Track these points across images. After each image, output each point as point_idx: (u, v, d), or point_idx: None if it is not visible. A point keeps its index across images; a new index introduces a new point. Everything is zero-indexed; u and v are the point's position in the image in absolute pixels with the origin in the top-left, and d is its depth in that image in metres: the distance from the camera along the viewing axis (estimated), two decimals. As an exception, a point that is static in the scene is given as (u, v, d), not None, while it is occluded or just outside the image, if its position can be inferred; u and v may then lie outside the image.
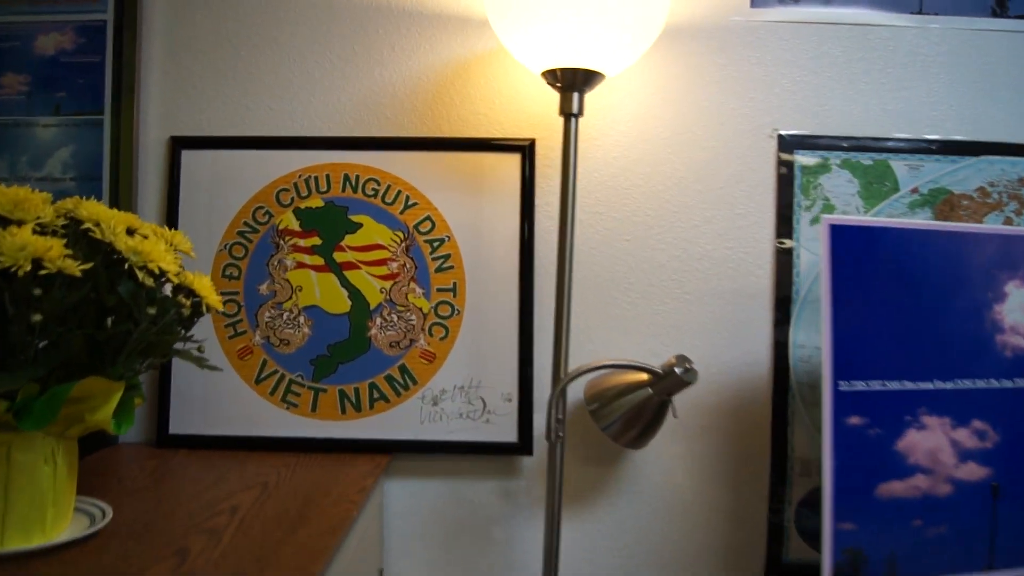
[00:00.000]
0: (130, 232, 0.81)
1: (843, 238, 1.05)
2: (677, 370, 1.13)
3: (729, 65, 1.33)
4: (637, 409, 1.20)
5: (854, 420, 1.05)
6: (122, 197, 1.34)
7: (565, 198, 1.16)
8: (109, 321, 0.75)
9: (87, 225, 0.76)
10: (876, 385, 1.06)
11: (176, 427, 1.29)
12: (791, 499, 1.33)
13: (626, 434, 1.22)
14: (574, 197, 1.16)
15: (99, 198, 1.35)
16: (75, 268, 0.71)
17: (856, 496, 1.05)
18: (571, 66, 1.11)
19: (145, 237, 0.80)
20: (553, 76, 1.13)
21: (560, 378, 1.17)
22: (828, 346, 1.04)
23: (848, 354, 1.04)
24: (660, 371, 1.15)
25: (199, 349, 0.86)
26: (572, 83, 1.13)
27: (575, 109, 1.14)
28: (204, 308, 0.86)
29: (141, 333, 0.76)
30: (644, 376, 1.19)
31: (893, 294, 1.07)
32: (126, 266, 0.76)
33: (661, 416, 1.21)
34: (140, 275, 0.75)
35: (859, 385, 1.05)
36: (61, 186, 1.36)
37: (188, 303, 0.82)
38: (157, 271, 0.77)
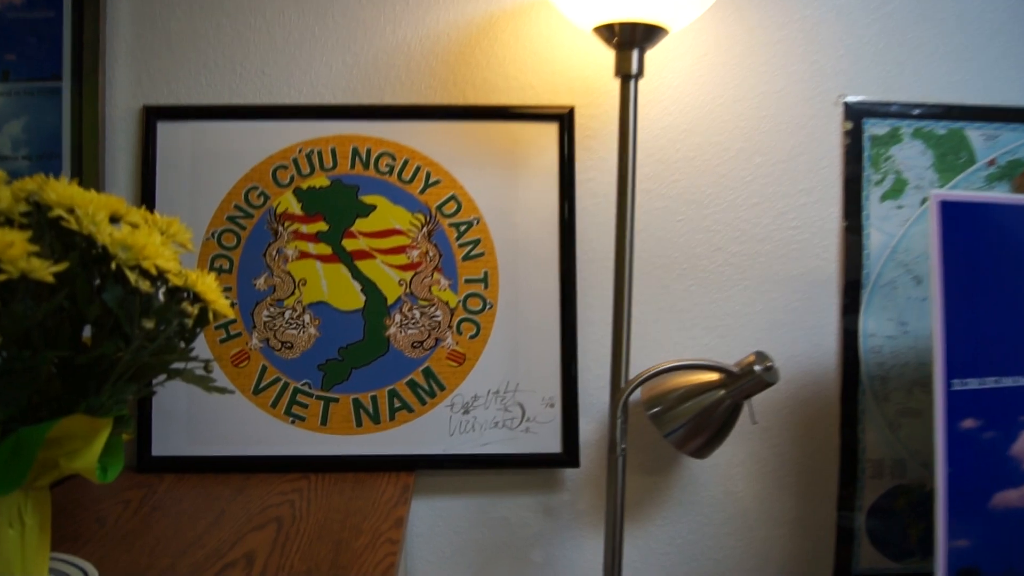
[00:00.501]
0: (114, 221, 0.62)
1: (954, 217, 0.91)
2: (757, 368, 0.98)
3: (790, 24, 1.17)
4: (706, 413, 1.05)
5: (968, 423, 0.91)
6: (86, 179, 1.13)
7: (624, 173, 0.99)
8: (90, 338, 0.57)
9: (58, 212, 0.57)
10: (990, 383, 0.92)
11: (160, 447, 1.10)
12: (862, 504, 1.19)
13: (691, 442, 1.07)
14: (634, 172, 0.99)
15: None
16: (45, 271, 0.52)
17: (970, 508, 0.91)
18: (632, 19, 0.94)
19: (135, 227, 0.61)
20: (609, 32, 0.96)
21: (621, 382, 1.01)
22: (940, 341, 0.89)
23: (961, 349, 0.90)
24: (736, 370, 1.00)
25: (206, 368, 0.68)
26: (631, 39, 0.96)
27: (634, 69, 0.97)
28: (211, 316, 0.68)
29: (134, 353, 0.58)
30: (715, 376, 1.04)
31: (1008, 279, 0.93)
32: (112, 265, 0.57)
33: (732, 421, 1.06)
34: (132, 277, 0.57)
35: (972, 383, 0.91)
36: (12, 165, 1.14)
37: (194, 310, 0.64)
38: (154, 271, 0.58)
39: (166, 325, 0.60)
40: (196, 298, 0.67)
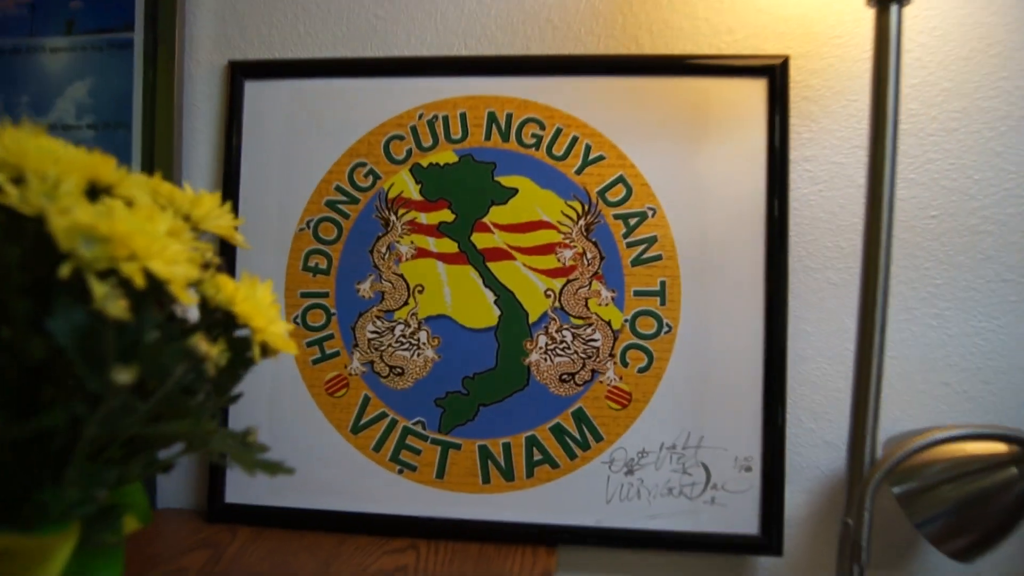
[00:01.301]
0: (94, 193, 0.36)
1: None
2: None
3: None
4: (981, 501, 0.72)
5: None
6: (159, 151, 0.91)
7: (879, 148, 0.67)
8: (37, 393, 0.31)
9: None
10: None
11: (235, 494, 0.86)
12: None
13: (955, 539, 0.74)
14: (894, 148, 0.67)
15: (127, 153, 0.93)
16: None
17: None
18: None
19: (130, 204, 0.35)
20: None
21: (865, 453, 0.68)
22: None
23: None
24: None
25: (246, 438, 0.42)
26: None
27: (906, -13, 0.66)
28: (257, 352, 0.41)
29: (103, 423, 0.31)
30: (1001, 448, 0.71)
31: None
32: (65, 271, 0.31)
33: (1020, 516, 0.72)
34: (98, 291, 0.30)
35: None
36: (76, 135, 0.94)
37: (219, 350, 0.37)
38: (142, 281, 0.32)
39: (165, 373, 0.33)
40: (231, 323, 0.40)
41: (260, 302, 0.43)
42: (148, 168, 0.91)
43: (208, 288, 0.42)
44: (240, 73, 0.90)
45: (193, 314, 0.43)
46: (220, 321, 0.43)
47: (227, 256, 0.87)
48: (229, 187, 0.88)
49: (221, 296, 0.42)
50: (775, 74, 0.82)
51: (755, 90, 0.83)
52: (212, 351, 0.39)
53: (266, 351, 0.44)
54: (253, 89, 0.89)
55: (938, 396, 0.84)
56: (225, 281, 0.42)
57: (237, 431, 0.45)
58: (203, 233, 0.44)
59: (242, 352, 0.44)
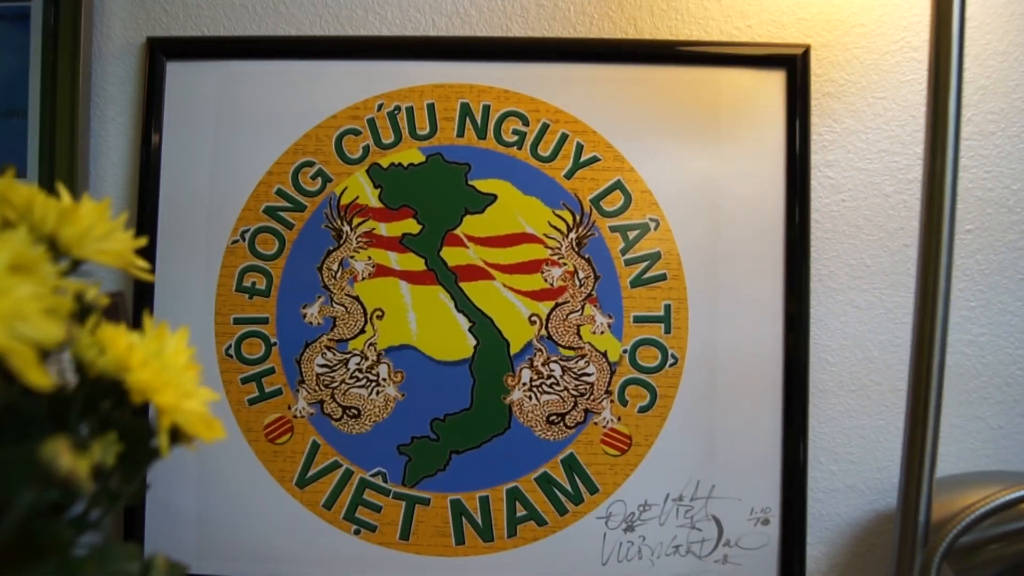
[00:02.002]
0: None
1: None
2: None
3: None
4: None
5: None
6: (60, 145, 0.75)
7: (939, 148, 0.57)
8: None
9: None
10: None
11: (154, 560, 0.71)
12: None
13: (1007, 602, 0.64)
14: (956, 149, 0.57)
15: (22, 148, 0.77)
16: None
17: None
18: None
19: None
20: None
21: (919, 513, 0.58)
22: None
23: None
24: None
25: (150, 571, 0.29)
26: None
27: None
28: (166, 443, 0.28)
29: None
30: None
31: None
32: None
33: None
34: None
35: None
36: (-45, 125, 0.77)
37: (99, 449, 0.24)
38: None
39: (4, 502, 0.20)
40: (119, 396, 0.27)
41: (169, 364, 0.30)
42: (47, 167, 0.75)
43: (86, 349, 0.29)
44: (161, 52, 0.74)
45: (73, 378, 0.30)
46: (107, 392, 0.30)
47: (142, 285, 0.71)
48: (147, 190, 0.73)
49: (107, 359, 0.28)
50: (795, 66, 0.71)
51: (772, 83, 0.71)
52: (79, 465, 0.25)
53: (178, 437, 0.30)
54: (177, 71, 0.74)
55: (971, 432, 0.74)
56: (114, 337, 0.29)
57: (139, 558, 0.31)
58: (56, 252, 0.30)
59: (141, 441, 0.30)
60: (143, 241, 0.32)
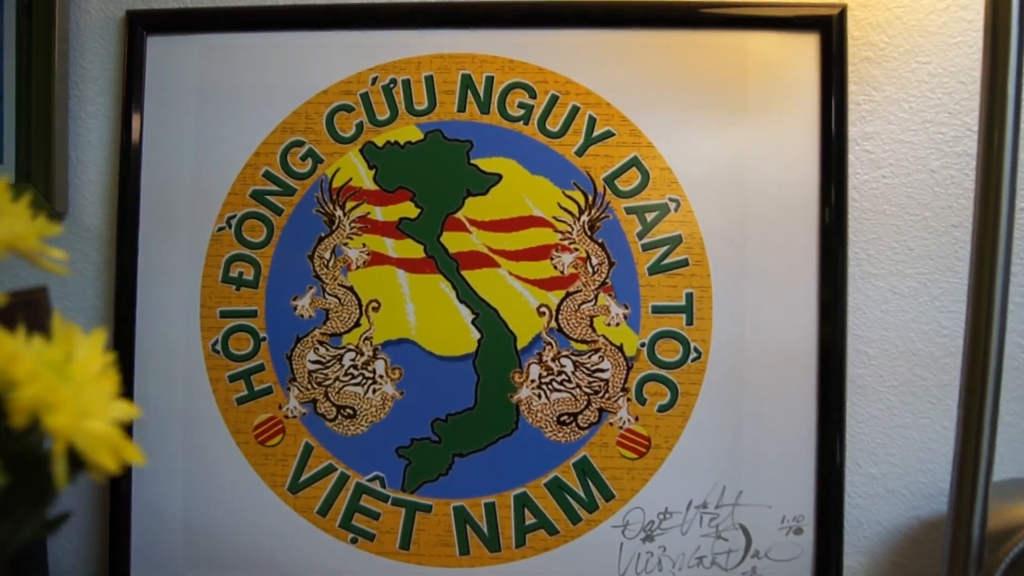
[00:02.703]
0: None
1: None
2: None
3: None
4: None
5: None
6: (37, 125, 0.70)
7: (999, 97, 0.50)
8: None
9: None
10: None
11: (143, 569, 0.66)
12: None
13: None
14: (1017, 101, 0.50)
15: (-3, 130, 0.73)
16: None
17: None
18: None
19: None
20: None
21: (973, 525, 0.51)
22: None
23: None
24: None
25: None
26: None
27: None
28: (63, 473, 0.22)
29: None
30: None
31: None
32: None
33: None
34: None
35: None
36: (-74, 108, 0.72)
37: None
38: None
39: None
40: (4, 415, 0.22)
41: (74, 375, 0.24)
42: (24, 151, 0.71)
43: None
44: (141, 26, 0.69)
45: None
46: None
47: (122, 267, 0.67)
48: (127, 173, 0.68)
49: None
50: (830, 28, 0.64)
51: (804, 48, 0.65)
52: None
53: (79, 466, 0.25)
54: (158, 46, 0.69)
55: (1025, 432, 0.67)
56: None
57: None
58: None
59: (38, 468, 0.25)
60: (56, 228, 0.27)
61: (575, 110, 0.65)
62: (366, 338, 0.65)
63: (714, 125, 0.65)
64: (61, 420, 0.21)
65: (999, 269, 0.49)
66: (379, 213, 0.66)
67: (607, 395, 0.64)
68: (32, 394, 0.21)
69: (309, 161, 0.67)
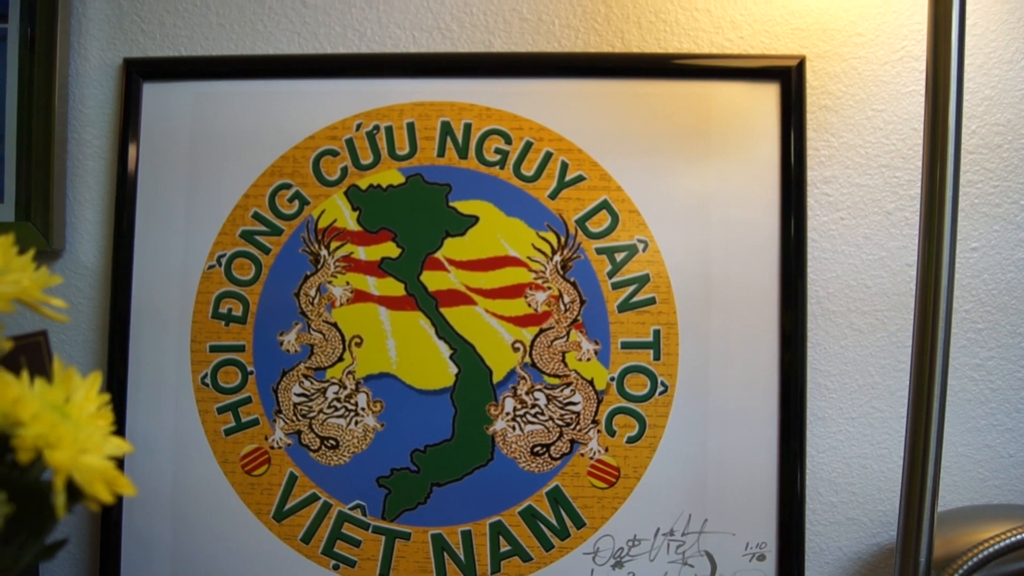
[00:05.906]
0: None
1: None
2: None
3: None
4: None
5: None
6: (36, 168, 0.74)
7: (940, 143, 0.53)
8: None
9: None
10: None
11: (129, 594, 0.69)
12: None
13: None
14: (956, 161, 0.53)
15: (-2, 170, 0.76)
16: None
17: None
18: None
19: None
20: None
21: (919, 554, 0.54)
22: None
23: None
24: None
25: None
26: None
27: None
28: (62, 504, 0.25)
29: None
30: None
31: None
32: None
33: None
34: None
35: None
36: (-69, 148, 0.75)
37: None
38: None
39: None
40: (11, 452, 0.25)
41: (72, 415, 0.27)
42: (24, 192, 0.74)
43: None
44: (138, 73, 0.73)
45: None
46: None
47: (116, 302, 0.70)
48: (122, 212, 0.71)
49: (-4, 412, 0.26)
50: (789, 78, 0.68)
51: (766, 97, 0.68)
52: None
53: (77, 497, 0.28)
54: (153, 92, 0.72)
55: (980, 461, 0.70)
56: (3, 388, 0.26)
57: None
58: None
59: (39, 499, 0.28)
60: (57, 279, 0.30)
61: (548, 155, 0.69)
62: (349, 372, 0.68)
63: (680, 169, 0.68)
64: (62, 456, 0.24)
65: (942, 306, 0.53)
66: (362, 253, 0.69)
67: (578, 427, 0.67)
68: (36, 433, 0.24)
69: (296, 203, 0.70)
